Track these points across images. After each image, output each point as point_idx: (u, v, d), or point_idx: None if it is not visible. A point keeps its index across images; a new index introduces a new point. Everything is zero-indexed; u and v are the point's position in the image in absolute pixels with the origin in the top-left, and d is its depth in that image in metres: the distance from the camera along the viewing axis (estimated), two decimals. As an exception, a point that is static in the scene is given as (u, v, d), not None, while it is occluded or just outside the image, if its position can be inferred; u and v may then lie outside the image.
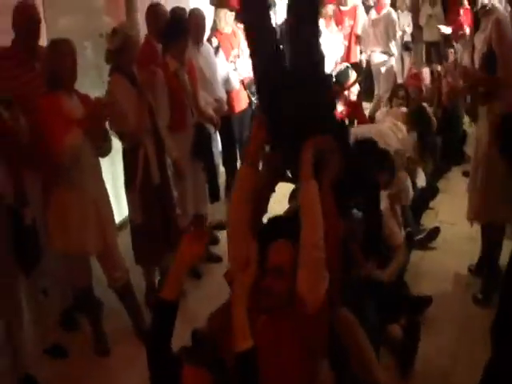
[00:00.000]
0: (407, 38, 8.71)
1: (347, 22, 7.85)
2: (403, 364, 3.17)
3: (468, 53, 4.07)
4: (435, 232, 4.71)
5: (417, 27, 8.93)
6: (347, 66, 5.90)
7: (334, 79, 5.21)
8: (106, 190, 3.46)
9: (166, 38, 4.01)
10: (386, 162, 3.62)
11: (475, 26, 3.91)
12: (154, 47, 4.24)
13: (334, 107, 3.13)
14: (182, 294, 3.99)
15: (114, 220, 3.53)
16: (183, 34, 3.99)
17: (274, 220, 2.44)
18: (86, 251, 3.35)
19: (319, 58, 2.38)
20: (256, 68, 2.48)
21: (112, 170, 4.78)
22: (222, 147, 5.44)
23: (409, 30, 8.70)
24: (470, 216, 3.91)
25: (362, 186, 2.72)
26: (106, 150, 3.44)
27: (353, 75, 5.64)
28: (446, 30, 8.36)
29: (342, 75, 5.60)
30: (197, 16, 4.58)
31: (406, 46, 8.75)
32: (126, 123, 3.47)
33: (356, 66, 7.03)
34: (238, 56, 5.24)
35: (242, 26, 5.10)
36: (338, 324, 2.51)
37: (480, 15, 4.11)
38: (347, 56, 7.73)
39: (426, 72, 7.00)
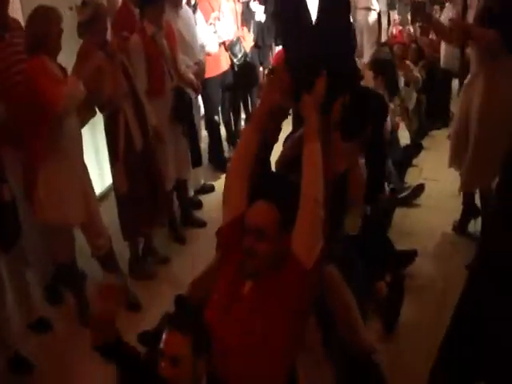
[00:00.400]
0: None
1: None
2: (388, 321, 3.20)
3: (456, 11, 3.99)
4: (419, 189, 4.72)
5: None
6: None
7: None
8: (84, 159, 3.44)
9: (142, 2, 3.90)
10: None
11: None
12: (132, 11, 4.13)
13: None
14: (166, 259, 4.04)
15: (93, 188, 3.51)
16: None
17: (265, 178, 2.44)
18: (74, 221, 3.32)
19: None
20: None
21: (93, 142, 4.74)
22: (204, 111, 5.37)
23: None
24: (463, 188, 3.91)
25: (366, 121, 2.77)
26: (87, 120, 3.41)
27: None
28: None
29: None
30: (174, -22, 4.46)
31: (391, 4, 8.65)
32: (101, 90, 3.39)
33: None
34: (219, 18, 5.14)
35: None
36: (325, 282, 2.51)
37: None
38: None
39: (409, 30, 6.94)
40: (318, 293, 2.33)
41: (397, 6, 8.66)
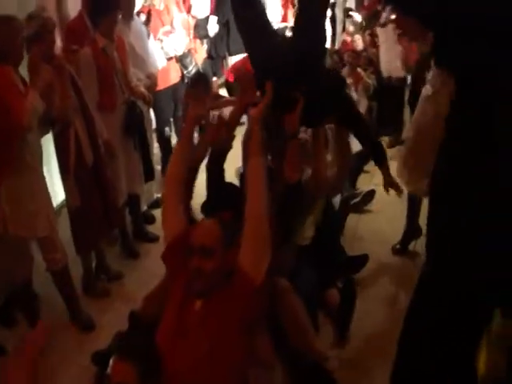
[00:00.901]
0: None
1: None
2: (341, 327, 3.25)
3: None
4: (370, 195, 4.82)
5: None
6: (286, 26, 5.93)
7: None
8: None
9: (94, 14, 3.88)
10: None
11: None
12: (85, 24, 4.08)
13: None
14: (120, 275, 4.01)
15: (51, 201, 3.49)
16: (112, 10, 3.88)
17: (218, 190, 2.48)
18: (41, 232, 3.28)
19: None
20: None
21: (45, 157, 4.66)
22: (156, 124, 5.37)
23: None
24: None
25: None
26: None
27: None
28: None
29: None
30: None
31: (347, 14, 8.79)
32: (50, 105, 3.36)
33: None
34: (169, 33, 5.16)
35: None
36: (275, 294, 2.54)
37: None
38: (284, 18, 7.72)
39: (358, 38, 7.08)
40: (268, 305, 2.37)
41: (351, 13, 8.80)
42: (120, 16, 4.08)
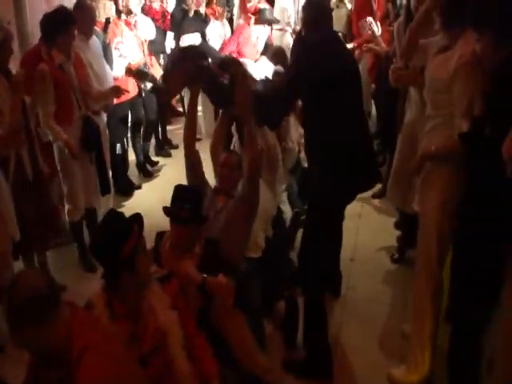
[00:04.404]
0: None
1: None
2: (287, 338, 3.41)
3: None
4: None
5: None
6: None
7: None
8: None
9: (50, 30, 3.93)
10: None
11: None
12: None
13: None
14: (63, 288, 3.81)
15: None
16: (69, 25, 3.96)
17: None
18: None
19: None
20: None
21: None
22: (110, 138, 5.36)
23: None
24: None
25: None
26: None
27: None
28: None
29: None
30: (85, 7, 4.57)
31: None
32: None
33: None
34: (122, 42, 5.28)
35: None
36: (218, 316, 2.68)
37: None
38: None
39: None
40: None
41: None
42: (77, 33, 4.18)
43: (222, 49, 6.31)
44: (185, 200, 2.67)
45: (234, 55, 5.80)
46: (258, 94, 3.11)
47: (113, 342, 1.96)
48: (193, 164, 3.25)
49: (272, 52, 5.18)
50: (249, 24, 6.23)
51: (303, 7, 3.30)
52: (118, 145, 5.43)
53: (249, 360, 2.76)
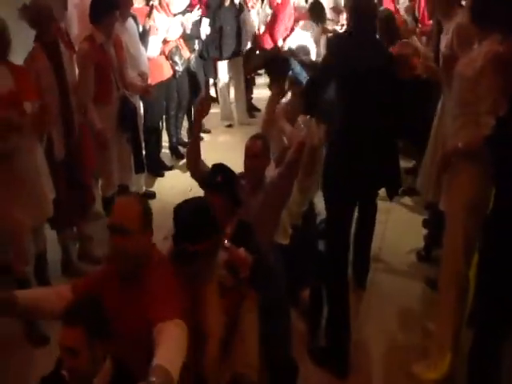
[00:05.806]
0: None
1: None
2: (310, 327, 3.45)
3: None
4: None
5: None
6: None
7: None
8: None
9: (95, 12, 4.03)
10: None
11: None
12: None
13: None
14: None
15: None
16: (113, 9, 4.06)
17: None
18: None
19: None
20: None
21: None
22: (145, 119, 5.42)
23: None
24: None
25: None
26: None
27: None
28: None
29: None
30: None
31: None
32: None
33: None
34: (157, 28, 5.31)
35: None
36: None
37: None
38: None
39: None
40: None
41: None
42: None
43: (272, 34, 6.81)
44: (220, 171, 2.72)
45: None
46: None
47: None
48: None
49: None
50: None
51: (349, 6, 3.42)
52: (154, 125, 5.49)
53: (241, 352, 2.51)
